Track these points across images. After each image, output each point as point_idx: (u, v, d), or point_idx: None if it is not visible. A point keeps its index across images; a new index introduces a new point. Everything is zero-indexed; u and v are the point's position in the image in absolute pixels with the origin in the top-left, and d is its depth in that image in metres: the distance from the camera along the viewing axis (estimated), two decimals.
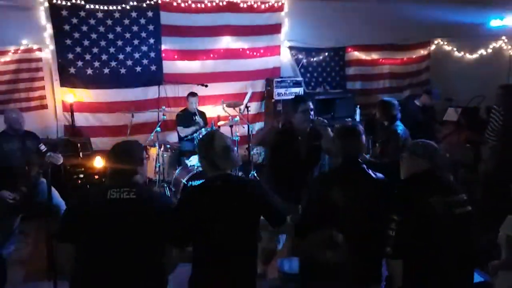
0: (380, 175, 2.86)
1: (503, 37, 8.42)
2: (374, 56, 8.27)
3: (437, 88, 6.95)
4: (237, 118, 6.32)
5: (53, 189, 4.46)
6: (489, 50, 8.53)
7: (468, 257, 2.58)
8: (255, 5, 7.23)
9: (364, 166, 2.84)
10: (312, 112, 3.77)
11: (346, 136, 2.90)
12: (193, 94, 6.34)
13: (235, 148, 4.97)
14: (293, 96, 6.91)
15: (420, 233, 2.46)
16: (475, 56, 8.62)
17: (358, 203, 2.67)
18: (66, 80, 6.42)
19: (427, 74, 8.75)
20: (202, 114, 6.46)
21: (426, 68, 8.76)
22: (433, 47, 8.73)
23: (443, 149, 6.52)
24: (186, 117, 6.24)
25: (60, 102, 6.44)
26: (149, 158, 6.00)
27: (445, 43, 8.62)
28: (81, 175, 5.57)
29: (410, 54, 8.57)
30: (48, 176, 4.28)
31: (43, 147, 4.69)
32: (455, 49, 8.64)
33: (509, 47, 8.46)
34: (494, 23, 7.15)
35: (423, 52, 8.69)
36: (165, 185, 5.86)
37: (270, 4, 7.34)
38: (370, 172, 2.83)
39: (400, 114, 4.74)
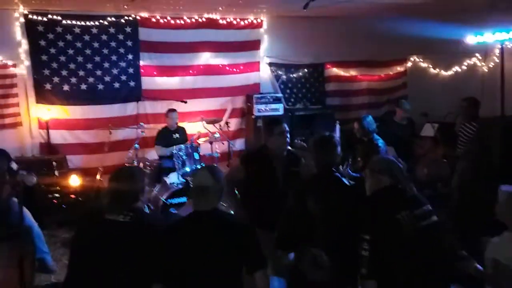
0: (353, 182, 3.00)
1: (477, 54, 8.66)
2: (353, 72, 8.38)
3: (409, 102, 7.10)
4: (217, 134, 6.28)
5: (25, 209, 4.30)
6: (464, 67, 8.75)
7: (441, 268, 2.58)
8: (235, 22, 7.27)
9: (338, 174, 2.95)
10: (288, 135, 3.53)
11: (322, 146, 3.01)
12: (172, 110, 6.27)
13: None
14: (271, 114, 7.01)
15: (392, 250, 2.47)
16: (450, 72, 8.82)
17: (334, 211, 2.70)
18: (42, 96, 6.30)
19: (404, 91, 8.89)
20: (182, 130, 6.39)
21: (403, 85, 8.90)
22: (409, 63, 8.90)
23: (422, 165, 6.63)
24: (166, 136, 6.16)
25: (36, 119, 6.30)
26: None
27: (421, 60, 8.80)
28: (57, 194, 5.42)
29: (387, 71, 8.71)
30: (20, 196, 4.13)
31: (14, 166, 4.53)
32: (430, 65, 8.83)
33: (483, 64, 8.70)
34: (469, 40, 7.35)
35: (399, 68, 8.85)
36: (144, 203, 5.73)
37: (249, 21, 7.39)
38: (344, 180, 2.94)
39: (379, 131, 4.85)
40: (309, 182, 3.08)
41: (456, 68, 8.77)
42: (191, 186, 2.62)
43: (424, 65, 8.84)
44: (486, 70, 8.63)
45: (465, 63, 8.73)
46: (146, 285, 2.35)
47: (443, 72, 8.85)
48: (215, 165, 3.36)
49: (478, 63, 8.76)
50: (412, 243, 2.49)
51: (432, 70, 8.85)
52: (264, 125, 3.78)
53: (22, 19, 6.08)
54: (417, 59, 8.81)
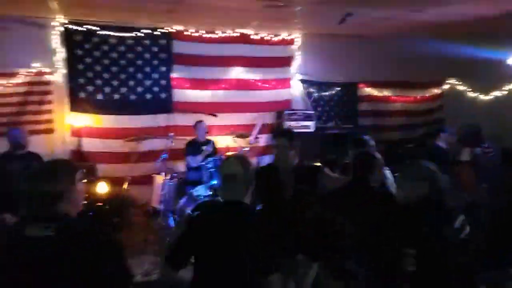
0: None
1: None
2: (387, 93, 8.19)
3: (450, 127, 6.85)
4: (246, 149, 6.17)
5: None
6: (504, 92, 8.38)
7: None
8: (267, 38, 7.26)
9: (372, 185, 3.00)
10: (292, 152, 3.31)
11: (357, 157, 3.19)
12: (199, 121, 6.21)
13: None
14: (302, 131, 6.88)
15: (437, 265, 2.37)
16: (489, 97, 8.48)
17: (366, 219, 2.65)
18: (76, 104, 6.38)
19: (439, 113, 8.62)
20: (211, 143, 6.30)
21: (439, 107, 8.65)
22: (446, 86, 8.64)
23: (460, 190, 6.35)
24: (195, 147, 6.10)
25: (68, 127, 6.37)
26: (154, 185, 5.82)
27: (459, 82, 8.53)
28: (84, 202, 5.37)
29: (423, 93, 8.49)
30: None
31: None
32: (468, 89, 8.53)
33: None
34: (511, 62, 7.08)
35: (436, 91, 8.61)
36: (170, 215, 5.64)
37: (282, 37, 7.35)
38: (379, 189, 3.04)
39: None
40: (341, 190, 3.08)
41: (496, 93, 8.42)
42: (219, 174, 2.42)
43: (461, 88, 8.55)
44: None
45: (506, 88, 8.37)
46: None
47: (481, 97, 8.53)
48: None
49: None
50: (454, 257, 2.42)
51: (470, 94, 8.54)
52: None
53: (60, 28, 6.22)
54: (455, 82, 8.54)
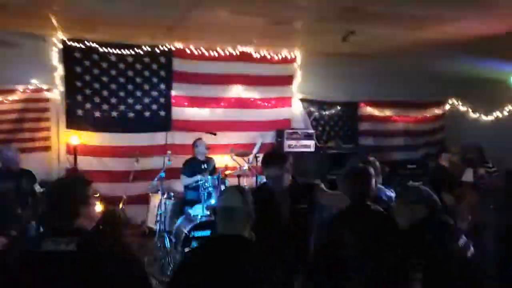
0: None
1: None
2: (388, 112, 8.13)
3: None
4: (246, 167, 6.06)
5: None
6: (505, 112, 8.30)
7: None
8: (268, 56, 7.23)
9: (372, 206, 2.80)
10: (285, 176, 3.08)
11: (353, 178, 2.84)
12: (199, 139, 6.10)
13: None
14: (302, 150, 6.81)
15: (442, 281, 2.36)
16: (491, 117, 8.40)
17: (369, 244, 2.58)
18: (73, 122, 6.31)
19: (441, 133, 8.54)
20: (211, 161, 6.20)
21: (441, 127, 8.57)
22: (447, 106, 8.58)
23: (463, 211, 6.22)
24: (193, 166, 5.97)
25: (64, 144, 6.28)
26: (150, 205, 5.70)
27: (460, 102, 8.47)
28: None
29: (424, 113, 8.43)
30: (40, 220, 3.97)
31: (38, 188, 4.43)
32: (470, 109, 8.46)
33: None
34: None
35: (437, 111, 8.55)
36: (166, 235, 5.49)
37: (283, 55, 7.32)
38: (379, 208, 2.81)
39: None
40: (341, 215, 2.89)
41: (498, 113, 8.34)
42: (217, 207, 2.27)
43: (463, 108, 8.48)
44: None
45: (508, 108, 8.30)
46: None
47: (484, 117, 8.45)
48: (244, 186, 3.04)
49: None
50: (462, 273, 2.42)
51: (472, 114, 8.46)
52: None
53: (60, 45, 6.19)
54: (456, 102, 8.48)
